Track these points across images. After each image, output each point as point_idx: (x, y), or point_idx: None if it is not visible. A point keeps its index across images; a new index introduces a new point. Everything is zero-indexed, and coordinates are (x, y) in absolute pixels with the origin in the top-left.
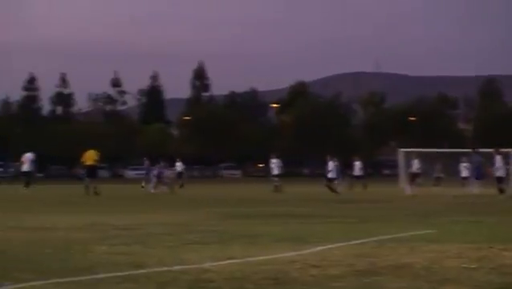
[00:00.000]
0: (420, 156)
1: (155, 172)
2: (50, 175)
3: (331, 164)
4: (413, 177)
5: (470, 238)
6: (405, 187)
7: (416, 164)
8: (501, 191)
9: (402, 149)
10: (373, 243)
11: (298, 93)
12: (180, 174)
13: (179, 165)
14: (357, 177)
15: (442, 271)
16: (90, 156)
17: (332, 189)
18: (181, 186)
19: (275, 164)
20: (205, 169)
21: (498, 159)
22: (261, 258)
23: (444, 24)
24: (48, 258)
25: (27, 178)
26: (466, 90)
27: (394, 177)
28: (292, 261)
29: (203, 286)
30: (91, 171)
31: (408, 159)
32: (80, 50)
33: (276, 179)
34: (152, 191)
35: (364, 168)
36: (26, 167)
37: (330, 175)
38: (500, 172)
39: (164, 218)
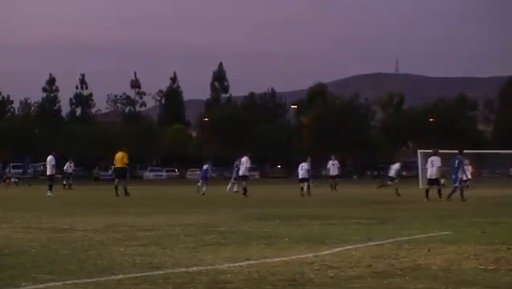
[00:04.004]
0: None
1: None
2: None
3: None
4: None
5: (488, 240)
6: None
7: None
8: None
9: (421, 150)
10: (391, 244)
11: (318, 94)
12: (69, 175)
13: (69, 166)
14: (331, 177)
15: (460, 273)
16: (120, 159)
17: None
18: (70, 187)
19: (244, 165)
20: (223, 170)
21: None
22: (278, 259)
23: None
24: (66, 258)
25: (50, 182)
26: (486, 91)
27: (412, 178)
28: (310, 262)
29: (220, 288)
30: (122, 173)
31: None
32: (100, 52)
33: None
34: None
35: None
36: (48, 170)
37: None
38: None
39: (183, 219)
